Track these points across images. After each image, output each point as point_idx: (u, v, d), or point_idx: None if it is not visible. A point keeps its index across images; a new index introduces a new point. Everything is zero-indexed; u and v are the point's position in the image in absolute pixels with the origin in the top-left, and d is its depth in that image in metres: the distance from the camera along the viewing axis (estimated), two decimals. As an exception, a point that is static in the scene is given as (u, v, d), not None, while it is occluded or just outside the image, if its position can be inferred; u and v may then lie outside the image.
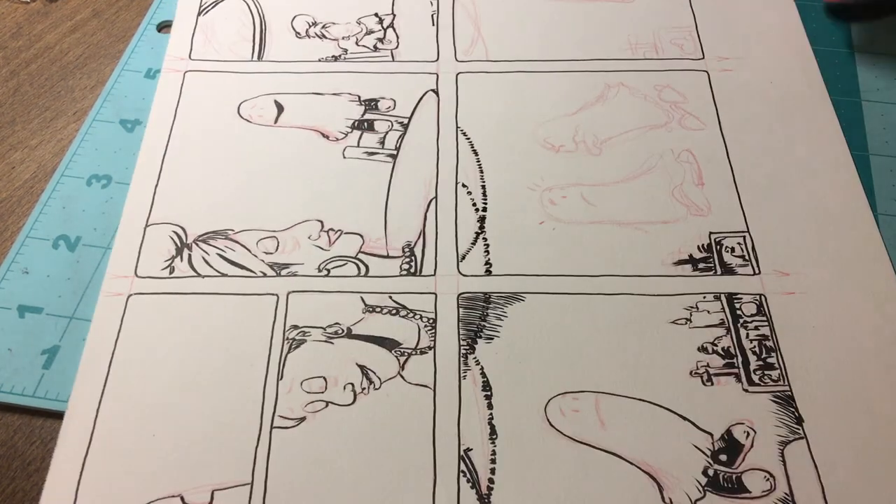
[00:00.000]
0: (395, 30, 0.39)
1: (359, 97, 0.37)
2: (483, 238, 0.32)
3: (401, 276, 0.31)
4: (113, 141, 0.35)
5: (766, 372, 0.28)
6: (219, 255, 0.31)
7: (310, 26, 0.40)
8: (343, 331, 0.30)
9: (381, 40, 0.39)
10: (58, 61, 0.39)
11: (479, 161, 0.34)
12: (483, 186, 0.34)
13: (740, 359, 0.29)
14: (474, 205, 0.33)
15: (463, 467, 0.27)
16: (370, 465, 0.27)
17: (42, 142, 0.36)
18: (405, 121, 0.36)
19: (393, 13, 0.40)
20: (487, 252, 0.32)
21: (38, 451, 0.28)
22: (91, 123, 0.36)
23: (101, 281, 0.31)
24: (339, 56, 0.38)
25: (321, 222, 0.32)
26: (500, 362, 0.29)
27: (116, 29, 0.40)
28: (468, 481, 0.26)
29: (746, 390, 0.28)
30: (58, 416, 0.28)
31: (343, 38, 0.39)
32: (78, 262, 0.32)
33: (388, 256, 0.31)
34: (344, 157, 0.34)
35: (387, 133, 0.35)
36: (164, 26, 0.40)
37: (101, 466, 0.26)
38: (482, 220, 0.32)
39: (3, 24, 0.41)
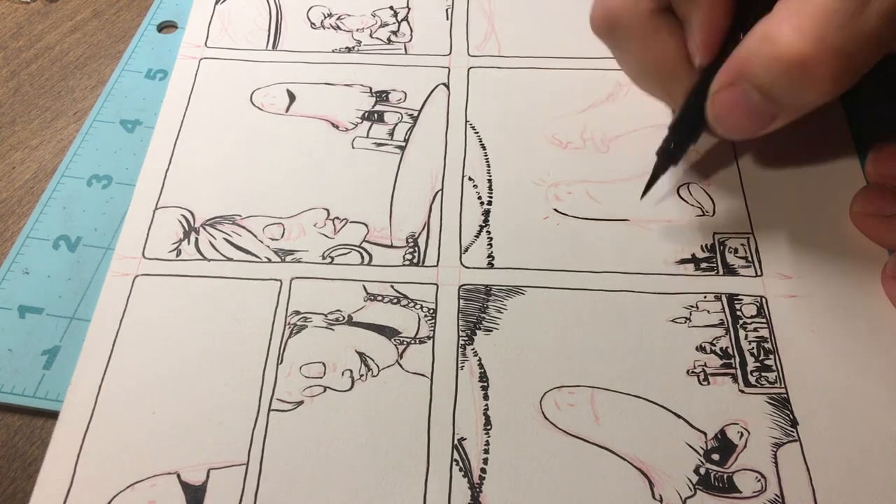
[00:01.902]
0: (409, 23, 0.40)
1: (370, 89, 0.37)
2: (487, 231, 0.32)
3: (403, 265, 0.31)
4: (113, 141, 0.36)
5: (762, 374, 0.28)
6: (225, 239, 0.32)
7: (325, 17, 0.40)
8: (344, 318, 0.30)
9: (394, 33, 0.39)
10: (58, 61, 0.39)
11: (486, 155, 0.35)
12: (489, 180, 0.34)
13: (738, 359, 0.29)
14: (480, 198, 0.33)
15: (456, 456, 0.27)
16: (365, 450, 0.27)
17: (42, 142, 0.36)
18: (415, 113, 0.36)
19: (408, 6, 0.40)
20: (490, 245, 0.32)
21: (39, 451, 0.28)
22: (91, 124, 0.36)
23: (102, 281, 0.31)
24: (353, 48, 0.39)
25: (327, 210, 0.33)
26: (497, 354, 0.29)
27: (117, 29, 0.41)
28: (461, 470, 0.27)
29: (742, 391, 0.28)
30: (58, 416, 0.28)
31: (357, 30, 0.39)
32: (78, 262, 0.32)
33: (391, 246, 0.32)
34: (353, 148, 0.35)
35: (396, 125, 0.36)
36: (165, 26, 0.41)
37: (101, 439, 0.27)
38: (487, 213, 0.33)
39: (3, 24, 0.41)
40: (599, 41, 0.31)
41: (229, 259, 0.31)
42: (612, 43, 0.31)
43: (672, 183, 0.33)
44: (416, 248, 0.32)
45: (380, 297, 0.30)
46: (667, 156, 0.31)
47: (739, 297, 0.30)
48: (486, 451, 0.27)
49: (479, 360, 0.29)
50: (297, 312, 0.30)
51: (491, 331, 0.30)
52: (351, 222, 0.32)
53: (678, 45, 0.29)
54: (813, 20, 0.24)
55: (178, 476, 0.26)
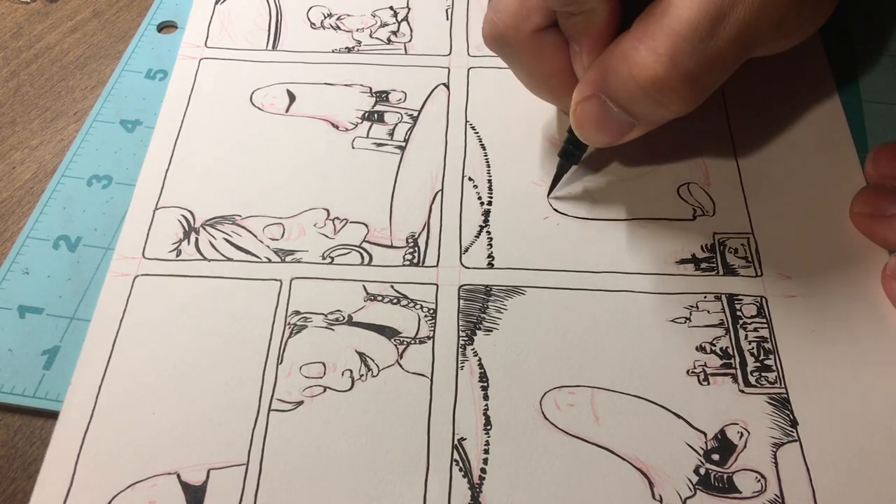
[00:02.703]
0: (409, 23, 0.40)
1: (370, 89, 0.37)
2: (487, 231, 0.32)
3: (404, 265, 0.31)
4: (113, 141, 0.36)
5: (762, 374, 0.28)
6: (225, 239, 0.32)
7: (325, 17, 0.40)
8: (344, 318, 0.30)
9: (394, 33, 0.39)
10: (58, 61, 0.39)
11: (486, 155, 0.35)
12: (489, 181, 0.34)
13: (738, 359, 0.29)
14: (480, 198, 0.33)
15: (456, 456, 0.27)
16: (365, 450, 0.27)
17: (42, 142, 0.36)
18: (415, 113, 0.36)
19: (408, 6, 0.40)
20: (490, 245, 0.32)
21: (39, 451, 0.28)
22: (91, 124, 0.36)
23: (102, 281, 0.31)
24: (353, 48, 0.39)
25: (327, 210, 0.33)
26: (497, 354, 0.29)
27: (117, 29, 0.41)
28: (461, 470, 0.27)
29: (742, 391, 0.28)
30: (58, 416, 0.28)
31: (357, 30, 0.39)
32: (78, 262, 0.32)
33: (391, 246, 0.32)
34: (353, 148, 0.35)
35: (396, 125, 0.36)
36: (165, 27, 0.40)
37: (101, 439, 0.27)
38: (487, 213, 0.33)
39: (3, 24, 0.41)
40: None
41: (229, 259, 0.31)
42: (503, 57, 0.32)
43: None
44: (416, 249, 0.32)
45: (380, 297, 0.30)
46: (567, 156, 0.32)
47: (739, 297, 0.30)
48: (486, 451, 0.27)
49: (479, 360, 0.29)
50: (297, 312, 0.30)
51: (491, 331, 0.30)
52: (351, 222, 0.32)
53: (564, 60, 0.30)
54: (666, 43, 0.25)
55: (178, 476, 0.26)
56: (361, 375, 0.29)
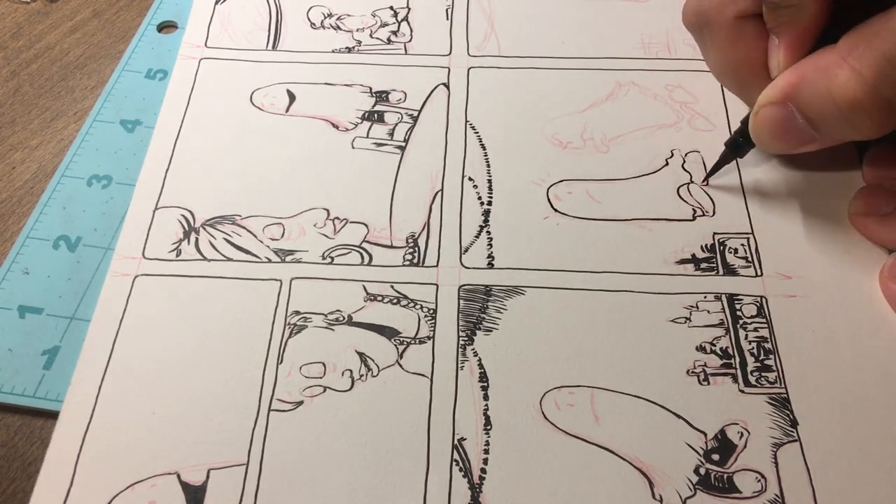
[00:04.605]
0: (409, 23, 0.40)
1: (370, 89, 0.37)
2: (487, 231, 0.32)
3: (403, 265, 0.31)
4: (113, 141, 0.36)
5: (762, 374, 0.28)
6: (225, 239, 0.32)
7: (325, 17, 0.40)
8: (344, 318, 0.30)
9: (394, 33, 0.39)
10: (58, 61, 0.39)
11: (486, 155, 0.35)
12: (489, 180, 0.34)
13: (738, 359, 0.29)
14: (480, 198, 0.33)
15: (456, 456, 0.27)
16: (365, 450, 0.27)
17: (42, 142, 0.36)
18: (415, 113, 0.36)
19: (408, 6, 0.40)
20: (490, 245, 0.32)
21: (39, 451, 0.28)
22: (91, 124, 0.36)
23: (102, 281, 0.31)
24: (353, 48, 0.39)
25: (327, 210, 0.33)
26: (497, 354, 0.29)
27: (117, 29, 0.41)
28: (461, 470, 0.27)
29: (742, 391, 0.28)
30: (58, 416, 0.28)
31: (357, 30, 0.39)
32: (78, 262, 0.32)
33: (391, 246, 0.32)
34: (353, 148, 0.35)
35: (396, 125, 0.36)
36: (165, 26, 0.41)
37: (101, 439, 0.27)
38: (487, 213, 0.33)
39: (3, 24, 0.41)
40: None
41: (229, 259, 0.31)
42: (698, 38, 0.32)
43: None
44: (416, 249, 0.32)
45: (380, 298, 0.30)
46: (734, 147, 0.32)
47: (739, 297, 0.30)
48: (486, 451, 0.27)
49: (479, 360, 0.29)
50: (297, 312, 0.30)
51: (491, 331, 0.30)
52: (351, 222, 0.32)
53: (759, 51, 0.29)
54: (874, 67, 0.24)
55: (178, 476, 0.26)
56: (361, 375, 0.29)
